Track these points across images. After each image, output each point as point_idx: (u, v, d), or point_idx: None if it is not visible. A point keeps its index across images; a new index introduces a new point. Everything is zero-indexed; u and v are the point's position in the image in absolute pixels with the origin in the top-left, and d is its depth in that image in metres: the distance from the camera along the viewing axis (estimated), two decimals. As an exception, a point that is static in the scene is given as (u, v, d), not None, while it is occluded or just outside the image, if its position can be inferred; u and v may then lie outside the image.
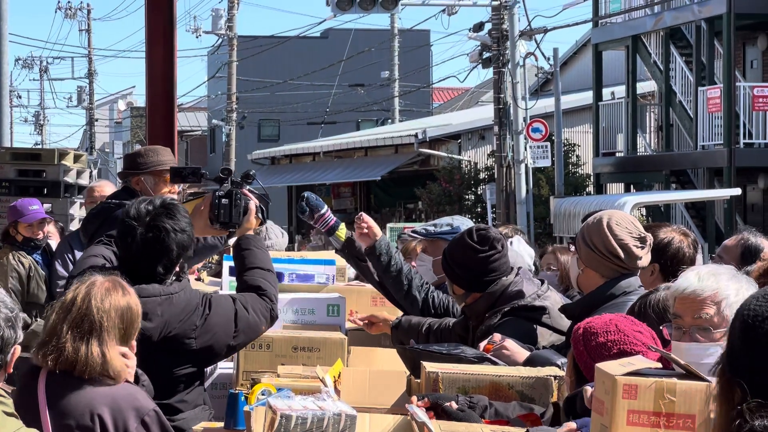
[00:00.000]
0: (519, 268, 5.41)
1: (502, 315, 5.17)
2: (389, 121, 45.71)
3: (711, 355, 3.58)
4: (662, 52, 27.02)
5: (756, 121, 24.58)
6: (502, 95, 25.86)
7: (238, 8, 41.72)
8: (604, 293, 4.89)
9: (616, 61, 30.55)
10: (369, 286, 7.13)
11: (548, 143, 26.11)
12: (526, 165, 25.50)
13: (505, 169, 25.94)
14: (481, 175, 30.61)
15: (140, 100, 59.03)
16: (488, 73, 29.12)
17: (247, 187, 5.40)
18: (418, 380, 4.32)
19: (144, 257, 4.70)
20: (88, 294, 4.04)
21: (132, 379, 4.10)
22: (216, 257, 8.91)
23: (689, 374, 3.31)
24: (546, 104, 28.72)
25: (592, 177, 29.52)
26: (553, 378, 4.25)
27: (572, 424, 3.63)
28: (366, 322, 5.90)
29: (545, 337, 5.14)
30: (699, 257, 5.63)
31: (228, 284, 6.76)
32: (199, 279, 8.07)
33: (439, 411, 3.97)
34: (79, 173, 11.74)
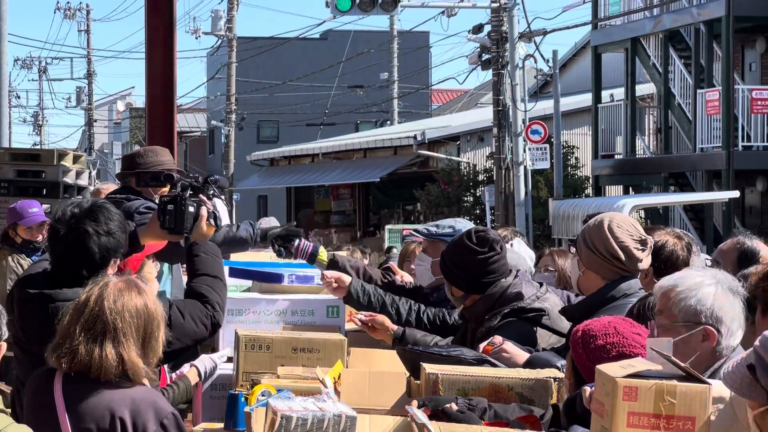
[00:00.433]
0: (518, 270, 5.41)
1: (501, 317, 5.18)
2: (388, 122, 45.70)
3: (667, 350, 3.69)
4: (661, 54, 27.02)
5: (754, 123, 24.59)
6: (501, 97, 25.87)
7: (237, 9, 41.72)
8: (604, 295, 4.90)
9: (615, 64, 30.55)
10: (368, 287, 7.14)
11: (547, 145, 26.12)
12: (525, 167, 25.50)
13: (504, 170, 25.95)
14: (480, 177, 30.61)
15: (139, 100, 59.06)
16: (487, 75, 29.20)
17: (213, 191, 5.36)
18: (418, 381, 4.33)
19: (66, 260, 4.65)
20: (100, 295, 4.02)
21: (149, 383, 4.07)
22: None
23: (689, 376, 3.31)
24: (545, 106, 28.72)
25: (590, 179, 29.52)
26: (552, 380, 4.25)
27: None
28: (369, 324, 5.90)
29: (545, 339, 5.15)
30: (697, 259, 5.65)
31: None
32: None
33: (438, 412, 3.98)
34: (78, 174, 11.74)
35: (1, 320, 3.56)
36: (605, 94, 29.41)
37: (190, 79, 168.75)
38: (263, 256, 7.31)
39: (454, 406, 3.99)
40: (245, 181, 43.22)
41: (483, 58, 26.28)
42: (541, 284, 5.43)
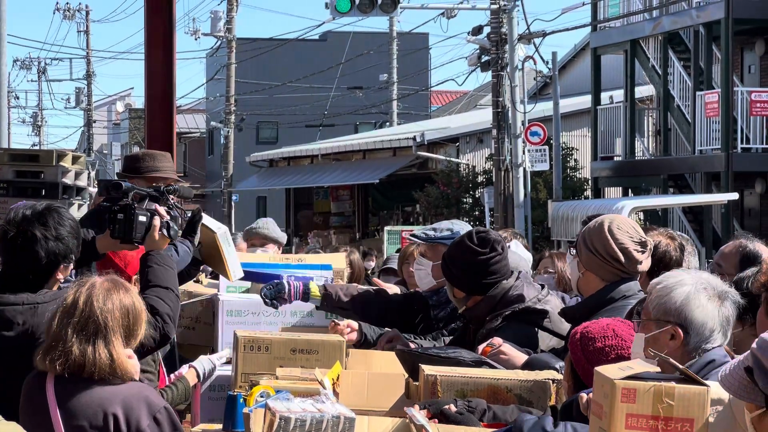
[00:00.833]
0: (519, 272, 5.41)
1: (503, 319, 5.18)
2: (387, 124, 45.70)
3: (638, 346, 3.81)
4: (660, 56, 27.03)
5: (753, 126, 24.59)
6: (500, 99, 25.87)
7: (237, 10, 41.72)
8: (603, 297, 4.91)
9: (615, 65, 30.56)
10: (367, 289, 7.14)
11: (546, 147, 26.12)
12: (525, 168, 25.50)
13: (503, 172, 25.95)
14: (479, 179, 30.61)
15: (138, 101, 59.03)
16: (487, 77, 29.17)
17: (172, 200, 5.33)
18: (417, 383, 4.33)
19: (13, 263, 4.62)
20: (89, 296, 4.04)
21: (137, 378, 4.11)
22: None
23: (688, 378, 3.32)
24: (544, 108, 28.73)
25: (590, 181, 29.53)
26: (551, 381, 4.26)
27: None
28: (349, 331, 5.88)
29: (545, 341, 5.15)
30: (694, 261, 5.66)
31: (225, 288, 6.77)
32: (197, 281, 8.08)
33: (438, 415, 3.98)
34: (77, 175, 11.72)
35: None
36: (604, 96, 29.41)
37: (190, 80, 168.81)
38: (262, 257, 7.32)
39: (453, 408, 3.99)
40: (244, 182, 43.22)
41: (482, 60, 26.28)
42: (542, 286, 5.44)
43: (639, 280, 5.12)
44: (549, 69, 27.72)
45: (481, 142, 32.46)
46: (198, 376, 5.59)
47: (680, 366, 3.35)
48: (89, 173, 9.70)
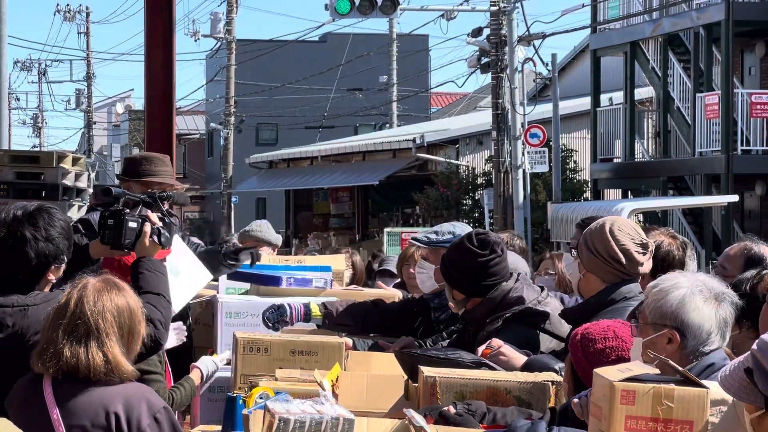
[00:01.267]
0: (518, 274, 5.41)
1: (503, 321, 5.18)
2: (387, 125, 45.70)
3: (637, 350, 3.80)
4: (660, 58, 27.03)
5: (753, 127, 24.60)
6: (500, 100, 25.87)
7: (236, 12, 41.74)
8: (604, 298, 4.91)
9: (615, 67, 30.56)
10: (367, 290, 7.14)
11: (546, 149, 26.13)
12: (524, 170, 25.50)
13: (502, 174, 25.95)
14: (479, 180, 30.62)
15: (138, 103, 59.02)
16: (486, 79, 29.18)
17: (167, 207, 5.32)
18: (416, 384, 4.33)
19: (3, 263, 4.59)
20: (80, 298, 4.03)
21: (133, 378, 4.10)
22: None
23: (687, 380, 3.32)
24: (544, 110, 28.74)
25: (589, 183, 29.54)
26: (550, 383, 4.25)
27: None
28: None
29: (545, 343, 5.15)
30: (692, 264, 5.66)
31: (224, 289, 6.77)
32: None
33: (437, 417, 3.98)
34: (77, 176, 11.72)
35: None
36: (604, 98, 29.42)
37: (190, 82, 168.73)
38: (261, 259, 7.31)
39: (452, 410, 3.99)
40: (244, 183, 43.22)
41: (482, 62, 26.28)
42: (542, 288, 5.43)
43: (642, 280, 5.12)
44: (549, 71, 27.74)
45: (480, 143, 32.46)
46: (202, 376, 5.60)
47: (679, 368, 3.35)
48: (89, 175, 9.70)
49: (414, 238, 6.25)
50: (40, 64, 70.43)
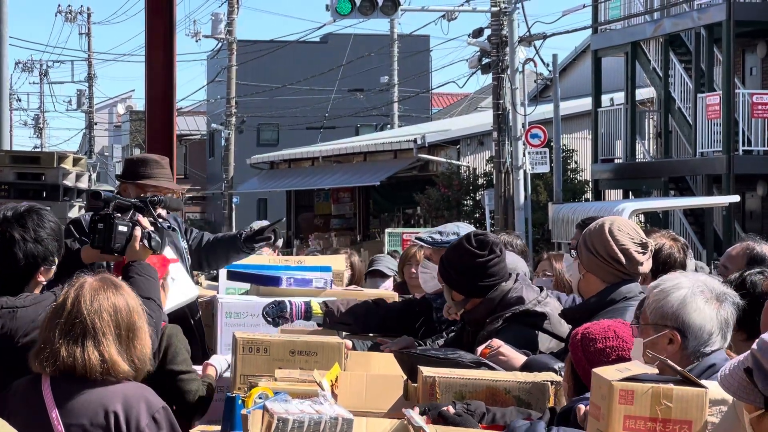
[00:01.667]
0: (517, 274, 5.41)
1: (503, 321, 5.17)
2: (388, 126, 45.71)
3: (637, 351, 3.80)
4: (661, 58, 27.03)
5: (755, 128, 24.59)
6: (501, 101, 25.86)
7: (237, 12, 41.73)
8: (604, 298, 4.91)
9: (616, 68, 30.56)
10: (366, 290, 7.14)
11: (547, 149, 26.11)
12: (525, 171, 25.49)
13: (503, 174, 25.94)
14: (480, 181, 30.61)
15: (139, 103, 59.04)
16: (487, 79, 29.12)
17: (161, 211, 5.31)
18: (415, 384, 4.33)
19: None
20: (77, 297, 4.02)
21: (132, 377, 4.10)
22: None
23: (686, 380, 3.31)
24: (545, 110, 28.72)
25: (590, 183, 29.53)
26: (550, 383, 4.25)
27: None
28: None
29: (544, 343, 5.15)
30: (691, 263, 5.66)
31: (224, 289, 6.77)
32: (197, 283, 8.07)
33: (436, 417, 3.98)
34: (78, 176, 11.72)
35: None
36: (605, 98, 29.41)
37: (191, 82, 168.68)
38: (261, 259, 7.32)
39: (452, 409, 3.98)
40: (245, 184, 43.22)
41: (483, 62, 26.27)
42: (541, 288, 5.43)
43: (644, 282, 5.12)
44: (549, 71, 27.73)
45: (481, 144, 32.46)
46: (215, 374, 5.60)
47: (679, 368, 3.35)
48: (90, 175, 9.71)
49: (418, 238, 6.25)
50: (42, 65, 70.46)
